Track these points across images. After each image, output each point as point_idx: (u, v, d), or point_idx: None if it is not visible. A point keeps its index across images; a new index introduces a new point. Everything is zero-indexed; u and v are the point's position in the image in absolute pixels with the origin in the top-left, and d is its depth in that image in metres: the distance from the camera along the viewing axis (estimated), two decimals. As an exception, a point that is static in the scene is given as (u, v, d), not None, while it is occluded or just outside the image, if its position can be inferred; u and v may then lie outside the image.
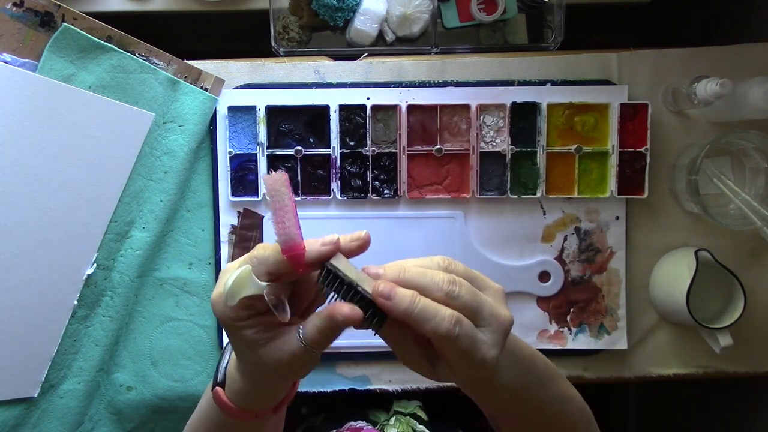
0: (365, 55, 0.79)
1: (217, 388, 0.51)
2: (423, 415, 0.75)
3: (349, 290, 0.39)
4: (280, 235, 0.38)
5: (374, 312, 0.39)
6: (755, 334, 0.78)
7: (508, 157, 0.76)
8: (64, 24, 0.70)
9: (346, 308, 0.39)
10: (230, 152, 0.76)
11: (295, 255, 0.39)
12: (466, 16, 0.82)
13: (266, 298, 0.40)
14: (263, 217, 0.77)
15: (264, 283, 0.40)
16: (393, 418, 0.74)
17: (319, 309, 0.42)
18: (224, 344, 0.75)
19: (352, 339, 0.77)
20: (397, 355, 0.42)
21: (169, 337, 0.77)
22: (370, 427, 0.74)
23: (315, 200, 0.77)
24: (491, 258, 0.77)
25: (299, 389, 0.77)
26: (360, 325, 0.39)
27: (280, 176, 0.39)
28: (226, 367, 0.52)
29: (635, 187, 0.76)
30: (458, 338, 0.37)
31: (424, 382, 0.78)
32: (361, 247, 0.42)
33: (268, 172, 0.75)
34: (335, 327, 0.40)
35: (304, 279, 0.43)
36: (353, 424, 0.74)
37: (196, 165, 0.77)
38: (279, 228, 0.38)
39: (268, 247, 0.41)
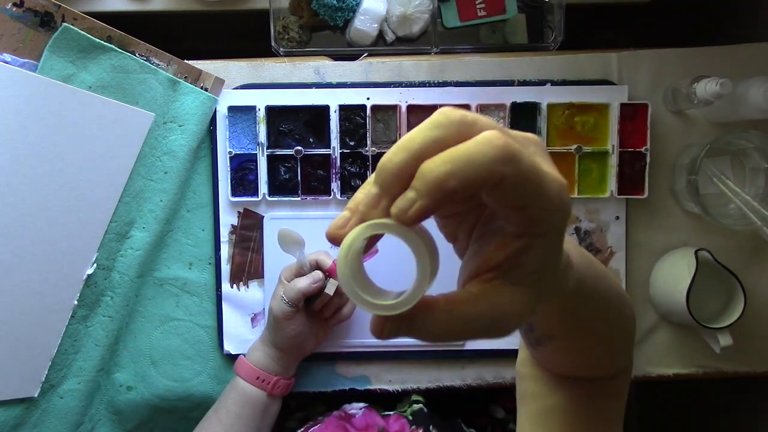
0: (365, 55, 0.79)
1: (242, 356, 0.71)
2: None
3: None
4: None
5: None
6: (755, 334, 0.78)
7: (508, 157, 0.76)
8: (64, 24, 0.70)
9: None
10: (230, 152, 0.76)
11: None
12: (466, 15, 0.82)
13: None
14: (263, 217, 0.77)
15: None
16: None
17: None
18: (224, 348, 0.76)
19: (351, 339, 0.77)
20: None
21: (169, 337, 0.77)
22: (365, 405, 0.74)
23: (315, 200, 0.77)
24: (491, 258, 0.77)
25: (298, 389, 0.77)
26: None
27: None
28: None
29: (635, 187, 0.76)
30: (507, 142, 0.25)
31: (423, 382, 0.78)
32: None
33: (268, 174, 0.76)
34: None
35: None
36: (348, 406, 0.74)
37: (196, 165, 0.77)
38: None
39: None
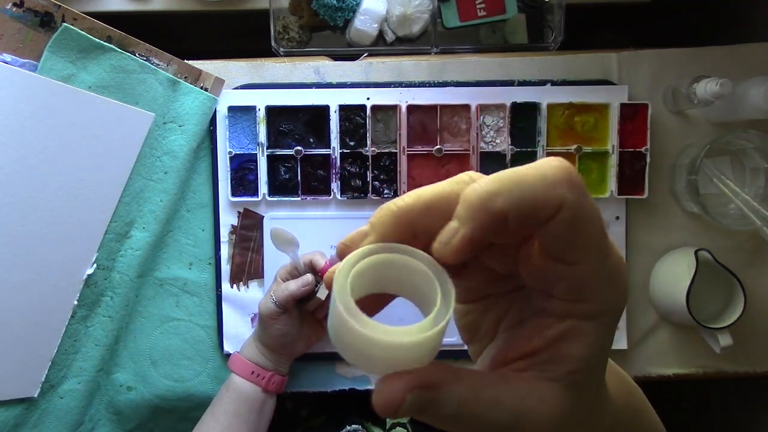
0: (365, 55, 0.79)
1: (235, 353, 0.71)
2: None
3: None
4: None
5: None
6: (755, 334, 0.78)
7: (508, 157, 0.76)
8: (64, 24, 0.70)
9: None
10: (230, 152, 0.76)
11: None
12: (466, 15, 0.82)
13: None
14: (263, 217, 0.77)
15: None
16: None
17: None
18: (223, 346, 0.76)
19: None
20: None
21: (169, 337, 0.77)
22: None
23: (315, 200, 0.77)
24: (491, 258, 0.77)
25: (298, 389, 0.77)
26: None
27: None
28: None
29: (635, 187, 0.76)
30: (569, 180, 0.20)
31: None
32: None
33: (268, 174, 0.76)
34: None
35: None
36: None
37: (196, 165, 0.77)
38: None
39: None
